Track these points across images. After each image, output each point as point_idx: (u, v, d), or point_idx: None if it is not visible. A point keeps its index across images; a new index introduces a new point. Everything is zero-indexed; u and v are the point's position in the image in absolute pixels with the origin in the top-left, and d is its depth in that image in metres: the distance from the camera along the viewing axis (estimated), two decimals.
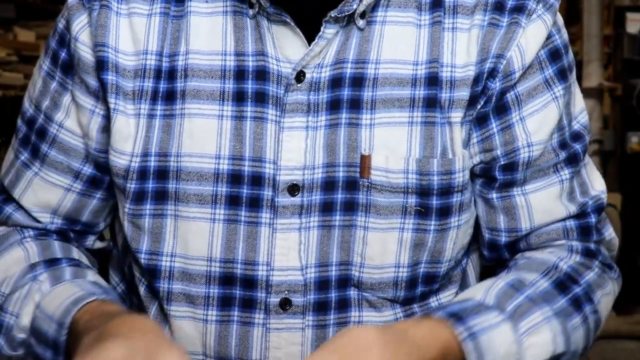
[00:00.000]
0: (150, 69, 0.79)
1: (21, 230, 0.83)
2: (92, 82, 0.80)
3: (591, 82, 4.56)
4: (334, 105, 0.77)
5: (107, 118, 0.80)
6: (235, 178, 0.77)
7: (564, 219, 0.81)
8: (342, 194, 0.77)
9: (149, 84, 0.79)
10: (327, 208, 0.77)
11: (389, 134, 0.77)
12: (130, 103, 0.79)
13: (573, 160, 0.82)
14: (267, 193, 0.77)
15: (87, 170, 0.82)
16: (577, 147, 0.82)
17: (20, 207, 0.83)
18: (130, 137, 0.79)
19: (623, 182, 4.52)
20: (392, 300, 0.79)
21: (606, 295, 0.81)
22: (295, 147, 0.77)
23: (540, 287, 0.75)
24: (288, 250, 0.77)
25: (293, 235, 0.77)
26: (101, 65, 0.78)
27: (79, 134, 0.81)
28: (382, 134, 0.77)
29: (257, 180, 0.77)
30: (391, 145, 0.77)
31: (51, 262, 0.78)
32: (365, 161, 0.76)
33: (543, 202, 0.81)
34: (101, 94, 0.80)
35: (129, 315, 0.66)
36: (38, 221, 0.83)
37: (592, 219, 0.82)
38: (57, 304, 0.71)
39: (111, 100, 0.79)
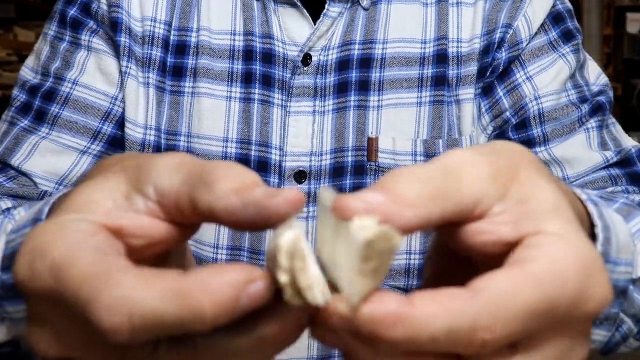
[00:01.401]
0: (158, 37, 0.77)
1: (0, 195, 0.69)
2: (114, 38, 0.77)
3: None
4: (341, 88, 0.76)
5: None
6: (243, 162, 0.74)
7: (605, 167, 0.76)
8: (350, 179, 0.75)
9: (157, 53, 0.77)
10: None
11: (396, 116, 0.75)
12: (140, 70, 0.77)
13: (598, 110, 0.78)
14: (273, 180, 0.75)
15: (108, 129, 0.76)
16: (601, 98, 0.79)
17: (17, 175, 0.74)
18: (140, 106, 0.76)
19: None
20: (404, 290, 0.77)
21: None
22: (302, 133, 0.75)
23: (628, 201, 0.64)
24: None
25: (301, 226, 0.74)
26: (115, 26, 0.76)
27: (97, 89, 0.77)
28: (390, 115, 0.75)
29: (263, 166, 0.75)
30: (399, 126, 0.75)
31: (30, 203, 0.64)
32: (372, 144, 0.75)
33: (569, 152, 0.76)
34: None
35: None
36: (37, 187, 0.73)
37: None
38: (29, 212, 0.49)
39: (123, 62, 0.76)
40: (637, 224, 0.58)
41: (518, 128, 0.77)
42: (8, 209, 0.62)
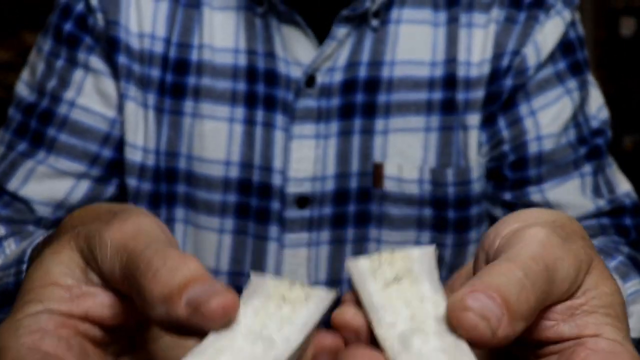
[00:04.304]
0: (157, 56, 0.73)
1: None
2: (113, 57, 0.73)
3: None
4: (346, 112, 0.72)
5: None
6: (244, 187, 0.72)
7: (596, 215, 0.74)
8: (354, 205, 0.73)
9: (155, 73, 0.73)
10: (338, 222, 0.73)
11: (403, 141, 0.72)
12: (139, 91, 0.73)
13: (595, 155, 0.75)
14: (275, 205, 0.72)
15: (107, 153, 0.73)
16: (598, 141, 0.75)
17: (12, 201, 0.72)
18: (139, 128, 0.73)
19: None
20: None
21: None
22: (305, 157, 0.72)
23: (620, 261, 0.65)
24: (297, 267, 0.73)
25: (302, 252, 0.73)
26: (113, 45, 0.72)
27: (96, 111, 0.73)
28: (397, 141, 0.72)
29: (266, 191, 0.72)
30: (406, 152, 0.72)
31: (22, 233, 0.65)
32: (378, 170, 0.72)
33: (563, 197, 0.73)
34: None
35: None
36: (34, 213, 0.72)
37: (629, 220, 0.74)
38: (17, 250, 0.50)
39: (122, 84, 0.72)
40: (632, 286, 0.61)
41: (515, 167, 0.74)
42: (0, 240, 0.62)
